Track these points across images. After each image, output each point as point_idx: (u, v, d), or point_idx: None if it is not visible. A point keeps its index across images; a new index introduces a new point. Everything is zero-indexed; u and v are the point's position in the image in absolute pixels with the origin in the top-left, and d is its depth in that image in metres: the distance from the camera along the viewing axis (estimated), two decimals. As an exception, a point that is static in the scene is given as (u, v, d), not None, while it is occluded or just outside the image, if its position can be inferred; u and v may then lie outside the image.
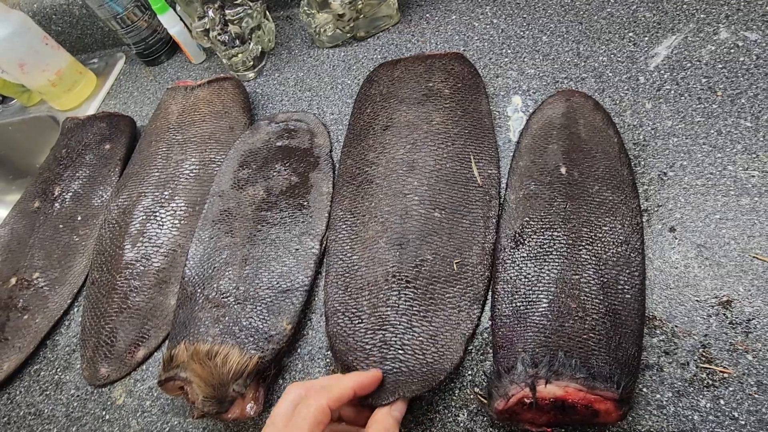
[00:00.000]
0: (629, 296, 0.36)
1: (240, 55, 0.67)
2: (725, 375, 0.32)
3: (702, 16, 0.52)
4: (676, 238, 0.39)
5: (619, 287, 0.36)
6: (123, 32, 0.75)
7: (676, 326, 0.35)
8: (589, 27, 0.56)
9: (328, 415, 0.30)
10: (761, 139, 0.42)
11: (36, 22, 0.75)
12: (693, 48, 0.50)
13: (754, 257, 0.36)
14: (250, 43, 0.67)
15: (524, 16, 0.60)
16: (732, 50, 0.48)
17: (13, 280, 0.57)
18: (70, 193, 0.63)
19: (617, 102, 0.49)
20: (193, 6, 0.66)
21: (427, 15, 0.66)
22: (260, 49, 0.69)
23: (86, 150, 0.66)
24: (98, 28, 0.86)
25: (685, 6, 0.53)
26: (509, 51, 0.58)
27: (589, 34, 0.55)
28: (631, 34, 0.54)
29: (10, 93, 0.84)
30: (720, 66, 0.48)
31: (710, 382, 0.32)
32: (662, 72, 0.49)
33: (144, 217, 0.56)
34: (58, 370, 0.49)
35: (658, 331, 0.35)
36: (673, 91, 0.48)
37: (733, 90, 0.46)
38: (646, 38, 0.53)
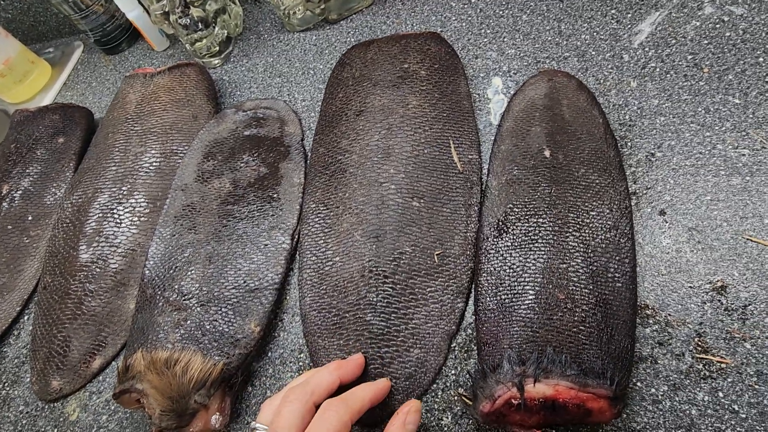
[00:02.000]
0: (620, 285, 0.33)
1: (204, 40, 0.63)
2: (723, 365, 0.30)
3: (686, -9, 0.50)
4: (667, 222, 0.37)
5: (609, 275, 0.34)
6: (77, 17, 0.70)
7: (669, 315, 0.33)
8: (570, 4, 0.54)
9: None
10: (750, 116, 0.40)
11: (-20, 8, 0.69)
12: (677, 24, 0.48)
13: (747, 239, 0.34)
14: (214, 27, 0.63)
15: (503, -6, 0.58)
16: (717, 25, 0.46)
17: (-43, 288, 0.52)
18: (20, 191, 0.58)
19: (601, 81, 0.47)
20: (151, -13, 0.61)
21: (403, -4, 0.63)
22: (226, 34, 0.65)
23: (37, 144, 0.61)
24: (53, 14, 0.80)
25: (668, -19, 0.51)
26: (488, 31, 0.55)
27: (570, 12, 0.53)
28: (613, 11, 0.51)
29: (-45, 86, 0.77)
30: (706, 42, 0.46)
31: (707, 373, 0.30)
32: (647, 49, 0.47)
33: (100, 214, 0.51)
34: (6, 385, 0.45)
35: (651, 321, 0.33)
36: (658, 69, 0.45)
37: (719, 66, 0.44)
38: (629, 15, 0.50)
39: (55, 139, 0.61)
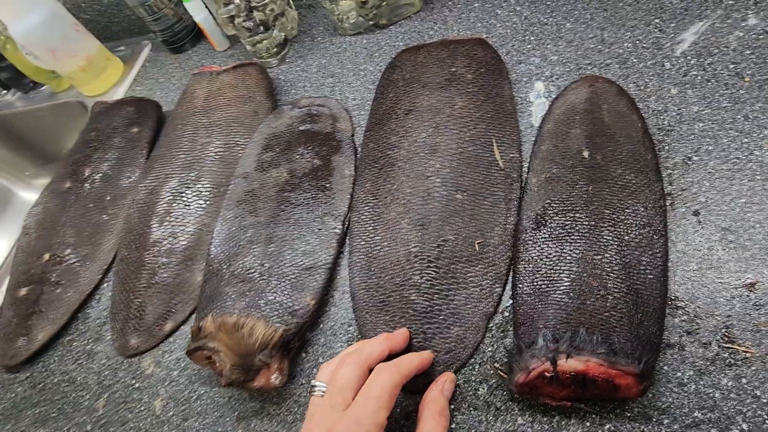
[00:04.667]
0: (651, 276, 0.36)
1: (264, 42, 0.68)
2: (748, 355, 0.32)
3: (730, 2, 0.51)
4: (700, 222, 0.39)
5: (642, 268, 0.36)
6: (150, 20, 0.77)
7: (698, 307, 0.35)
8: (614, 14, 0.56)
9: (397, 394, 0.32)
10: (790, 124, 0.41)
11: (67, 10, 0.77)
12: (720, 34, 0.49)
13: (780, 241, 0.36)
14: (273, 30, 0.69)
15: (548, 3, 0.60)
16: (761, 36, 0.48)
17: (47, 256, 0.59)
18: (100, 174, 0.65)
19: (642, 88, 0.49)
20: (219, -7, 0.67)
21: (450, 2, 0.66)
22: (283, 36, 0.70)
23: (114, 133, 0.68)
24: (125, 16, 0.88)
25: (712, -8, 0.53)
26: (532, 38, 0.58)
27: (614, 21, 0.55)
28: (657, 21, 0.53)
29: (41, 79, 0.86)
30: (748, 52, 0.47)
31: (732, 361, 0.33)
32: (689, 58, 0.49)
33: (171, 197, 0.57)
34: (90, 341, 0.52)
35: (680, 312, 0.35)
36: (699, 77, 0.47)
37: (761, 76, 0.45)
38: (673, 24, 0.52)
39: (130, 128, 0.68)
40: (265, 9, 0.66)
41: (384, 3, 0.65)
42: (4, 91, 0.93)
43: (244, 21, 0.66)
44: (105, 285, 0.56)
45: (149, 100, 0.71)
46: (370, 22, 0.67)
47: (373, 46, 0.66)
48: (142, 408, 0.45)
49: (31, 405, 0.49)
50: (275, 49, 0.70)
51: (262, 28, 0.67)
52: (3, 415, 0.49)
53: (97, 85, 0.82)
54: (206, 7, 0.74)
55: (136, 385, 0.47)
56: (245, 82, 0.64)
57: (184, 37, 0.81)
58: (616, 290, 0.35)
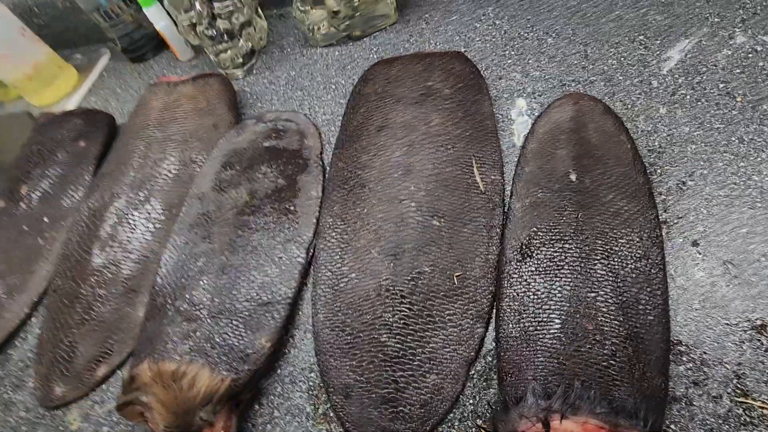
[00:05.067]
0: (652, 317, 0.32)
1: (229, 52, 0.63)
2: (765, 411, 0.28)
3: (716, 20, 0.49)
4: (700, 253, 0.35)
5: (641, 307, 0.32)
6: (107, 26, 0.71)
7: (705, 353, 0.31)
8: (597, 29, 0.53)
9: None
10: (787, 147, 0.39)
11: (17, 15, 0.71)
12: (708, 52, 0.47)
13: (788, 276, 0.32)
14: (239, 40, 0.64)
15: (528, 17, 0.58)
16: (750, 55, 0.45)
17: (-33, 287, 0.51)
18: (39, 193, 0.58)
19: (629, 106, 0.46)
20: (180, -1, 0.62)
21: (427, 15, 0.63)
22: (250, 47, 0.66)
23: (59, 147, 0.62)
24: (82, 22, 0.82)
25: (697, 10, 0.51)
26: (513, 53, 0.55)
27: (597, 37, 0.52)
28: (641, 38, 0.51)
29: (-16, 87, 0.79)
30: (738, 71, 0.45)
31: (748, 419, 0.28)
32: (676, 76, 0.46)
33: (116, 219, 0.51)
34: (9, 388, 0.44)
35: (684, 359, 0.31)
36: (689, 96, 0.45)
37: (753, 96, 0.43)
38: (658, 41, 0.50)
39: (77, 142, 0.62)
40: (231, 17, 0.62)
41: (357, 14, 0.61)
42: (-57, 100, 0.85)
43: (207, 29, 0.61)
44: (33, 320, 0.49)
45: (100, 111, 0.65)
46: (343, 33, 0.64)
47: (345, 58, 0.62)
48: (63, 473, 0.38)
49: (-69, 469, 0.41)
50: (241, 60, 0.65)
51: (226, 37, 0.63)
52: None
53: (47, 95, 0.76)
54: (168, 14, 0.68)
55: (58, 444, 0.39)
56: (205, 94, 0.59)
57: (145, 45, 0.75)
58: (614, 334, 0.30)
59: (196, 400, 0.34)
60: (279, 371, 0.39)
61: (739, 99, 0.43)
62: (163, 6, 0.68)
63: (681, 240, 0.36)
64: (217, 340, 0.38)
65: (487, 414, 0.32)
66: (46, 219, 0.56)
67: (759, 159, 0.39)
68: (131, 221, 0.51)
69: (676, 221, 0.38)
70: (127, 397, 0.35)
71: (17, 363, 0.46)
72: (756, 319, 0.31)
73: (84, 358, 0.43)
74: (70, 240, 0.52)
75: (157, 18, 0.68)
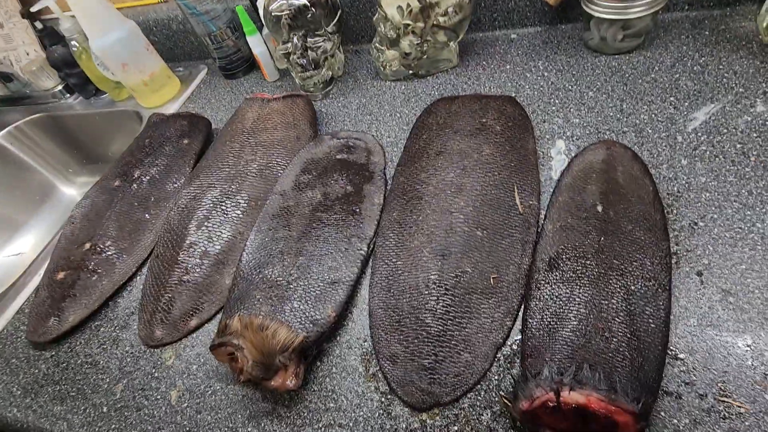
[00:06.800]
0: (654, 326, 0.38)
1: (314, 78, 0.76)
2: (742, 410, 0.34)
3: (741, 90, 0.57)
4: (703, 282, 0.42)
5: (645, 317, 0.39)
6: (212, 47, 0.86)
7: (696, 360, 0.37)
8: (633, 88, 0.61)
9: None
10: (791, 203, 0.45)
11: (141, 31, 0.86)
12: (730, 116, 0.54)
13: (777, 308, 0.39)
14: (323, 68, 0.76)
15: (573, 72, 0.67)
16: (767, 122, 0.52)
17: (87, 245, 0.63)
18: (148, 177, 0.70)
19: (655, 156, 0.53)
20: (280, 32, 0.75)
21: (484, 62, 0.73)
22: (330, 75, 0.78)
23: (167, 142, 0.75)
24: (189, 42, 0.97)
25: (725, 80, 0.58)
26: (557, 101, 0.63)
27: (632, 94, 0.61)
28: (672, 99, 0.58)
29: (104, 87, 0.95)
30: (755, 135, 0.52)
31: (727, 414, 0.34)
32: (699, 134, 0.54)
33: (211, 204, 0.62)
34: (117, 328, 0.55)
35: (678, 362, 0.38)
36: (708, 152, 0.52)
37: (766, 157, 0.49)
38: (686, 103, 0.57)
39: (181, 140, 0.74)
40: (318, 50, 0.74)
41: (425, 56, 0.72)
42: (68, 95, 1.02)
43: (299, 58, 0.74)
44: (138, 278, 0.60)
45: (202, 116, 0.78)
46: (410, 71, 0.75)
47: (410, 92, 0.73)
48: (158, 397, 0.47)
49: (53, 382, 0.52)
50: (321, 85, 0.77)
51: (313, 65, 0.75)
52: (24, 389, 0.52)
53: (154, 99, 0.90)
54: (264, 42, 0.82)
55: (156, 375, 0.49)
56: (292, 111, 0.71)
57: (239, 65, 0.89)
58: (620, 334, 0.37)
59: (276, 347, 0.43)
60: (339, 338, 0.47)
61: (752, 158, 0.50)
62: (262, 36, 0.82)
63: (687, 269, 0.43)
64: (294, 305, 0.47)
65: (509, 388, 0.40)
66: (152, 198, 0.68)
67: (764, 210, 0.45)
68: (223, 207, 0.62)
69: (685, 253, 0.44)
70: (221, 339, 0.44)
71: (124, 309, 0.57)
72: (745, 338, 0.38)
73: (179, 311, 0.54)
74: (172, 217, 0.63)
75: (256, 45, 0.81)
